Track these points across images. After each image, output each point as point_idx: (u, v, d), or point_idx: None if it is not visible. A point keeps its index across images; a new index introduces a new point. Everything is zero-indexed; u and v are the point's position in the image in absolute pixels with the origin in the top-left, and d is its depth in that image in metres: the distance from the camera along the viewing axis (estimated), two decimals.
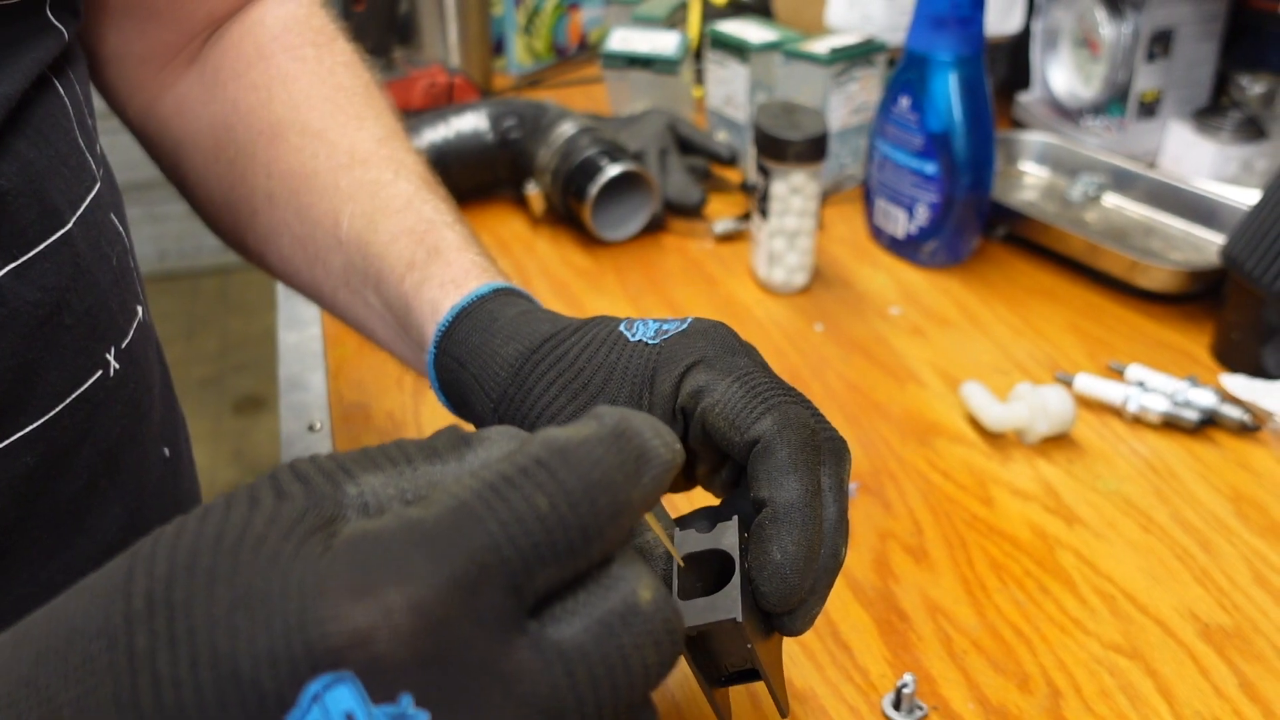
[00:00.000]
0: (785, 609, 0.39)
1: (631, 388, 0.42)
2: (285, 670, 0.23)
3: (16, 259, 0.41)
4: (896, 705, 0.52)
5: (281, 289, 0.92)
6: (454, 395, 0.49)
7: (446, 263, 0.51)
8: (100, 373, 0.45)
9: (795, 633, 0.40)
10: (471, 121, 1.01)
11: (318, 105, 0.56)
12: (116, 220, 0.49)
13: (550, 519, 0.25)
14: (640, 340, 0.44)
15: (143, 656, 0.23)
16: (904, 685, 0.52)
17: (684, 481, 0.46)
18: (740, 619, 0.37)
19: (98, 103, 0.53)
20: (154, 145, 0.61)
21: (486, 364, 0.46)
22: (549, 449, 0.26)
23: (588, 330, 0.45)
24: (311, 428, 0.74)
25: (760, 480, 0.39)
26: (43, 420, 0.42)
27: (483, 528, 0.24)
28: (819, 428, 0.41)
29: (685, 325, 0.44)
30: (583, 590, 0.26)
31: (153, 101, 0.59)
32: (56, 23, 0.45)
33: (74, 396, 0.44)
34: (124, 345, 0.47)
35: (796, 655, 0.56)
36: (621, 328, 0.45)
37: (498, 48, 1.33)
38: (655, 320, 0.45)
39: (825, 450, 0.41)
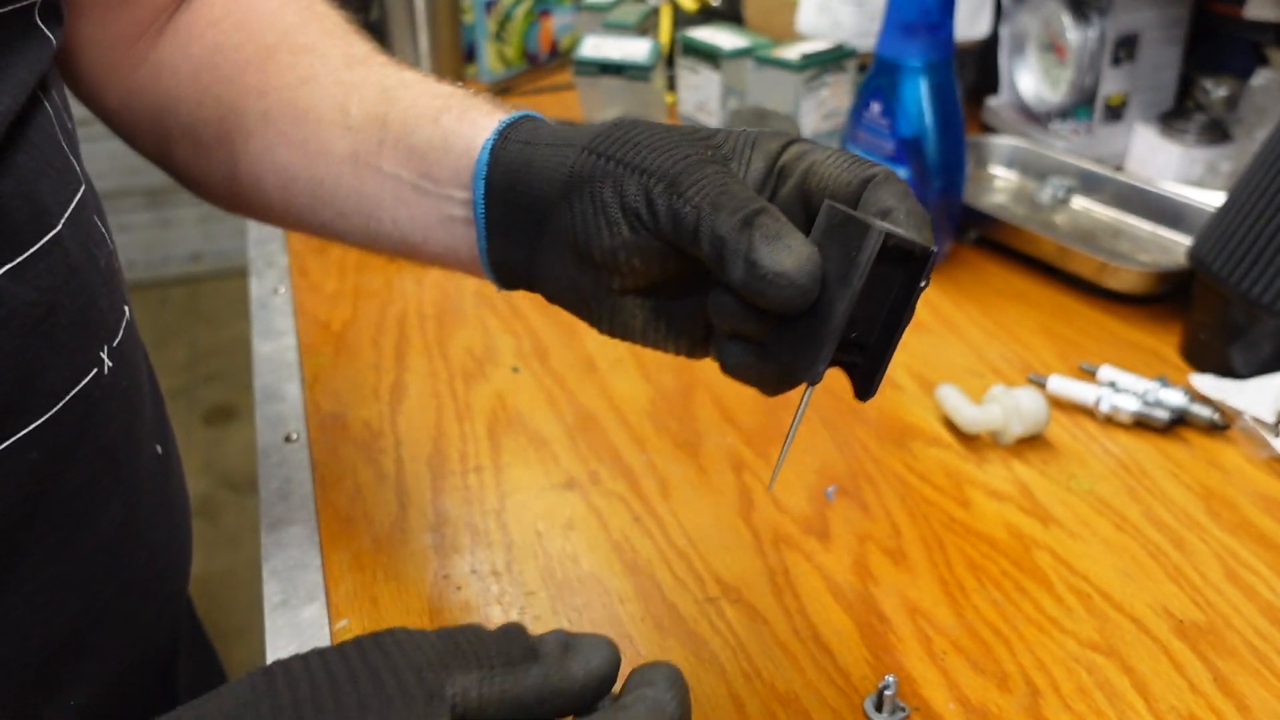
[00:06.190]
0: (926, 242, 0.39)
1: (735, 142, 0.43)
2: None
3: (12, 260, 0.41)
4: (878, 707, 0.53)
5: (254, 298, 0.91)
6: (502, 183, 0.45)
7: (488, 103, 0.49)
8: (95, 371, 0.46)
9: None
10: None
11: (305, 29, 0.56)
12: (100, 223, 0.50)
13: None
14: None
15: None
16: (885, 686, 0.52)
17: (702, 348, 0.45)
18: (935, 248, 0.39)
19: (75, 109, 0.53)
20: (134, 120, 0.59)
21: (568, 137, 0.44)
22: None
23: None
24: (288, 439, 0.74)
25: (881, 198, 0.39)
26: (44, 418, 0.43)
27: None
28: None
29: None
30: None
31: (128, 77, 0.57)
32: (45, 29, 0.45)
33: (72, 394, 0.44)
34: (115, 344, 0.48)
35: (778, 658, 0.56)
36: None
37: (469, 55, 1.33)
38: None
39: None
